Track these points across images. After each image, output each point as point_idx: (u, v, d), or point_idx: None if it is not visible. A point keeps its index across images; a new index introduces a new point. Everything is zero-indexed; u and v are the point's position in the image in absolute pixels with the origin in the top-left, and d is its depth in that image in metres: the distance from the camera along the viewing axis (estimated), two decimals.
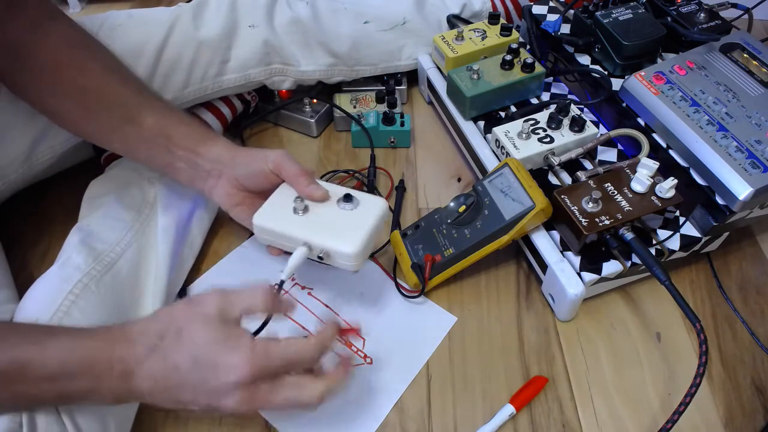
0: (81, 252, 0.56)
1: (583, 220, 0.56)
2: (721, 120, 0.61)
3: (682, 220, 0.61)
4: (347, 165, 0.80)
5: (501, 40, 0.79)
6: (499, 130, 0.68)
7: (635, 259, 0.58)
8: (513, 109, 0.74)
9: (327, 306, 0.63)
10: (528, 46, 0.81)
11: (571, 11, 0.81)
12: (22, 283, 0.59)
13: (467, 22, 0.85)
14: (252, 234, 0.63)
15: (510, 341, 0.61)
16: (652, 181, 0.57)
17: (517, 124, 0.68)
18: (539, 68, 0.73)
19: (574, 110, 0.68)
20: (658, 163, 0.58)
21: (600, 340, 0.61)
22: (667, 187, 0.57)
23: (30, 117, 0.65)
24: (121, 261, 0.58)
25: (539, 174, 0.67)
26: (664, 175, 0.58)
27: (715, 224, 0.59)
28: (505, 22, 0.81)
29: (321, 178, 0.77)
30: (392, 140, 0.81)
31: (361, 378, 0.57)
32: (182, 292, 0.64)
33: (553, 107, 0.69)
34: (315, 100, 0.84)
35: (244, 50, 0.75)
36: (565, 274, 0.58)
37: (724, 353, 0.59)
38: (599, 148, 0.69)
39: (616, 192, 0.58)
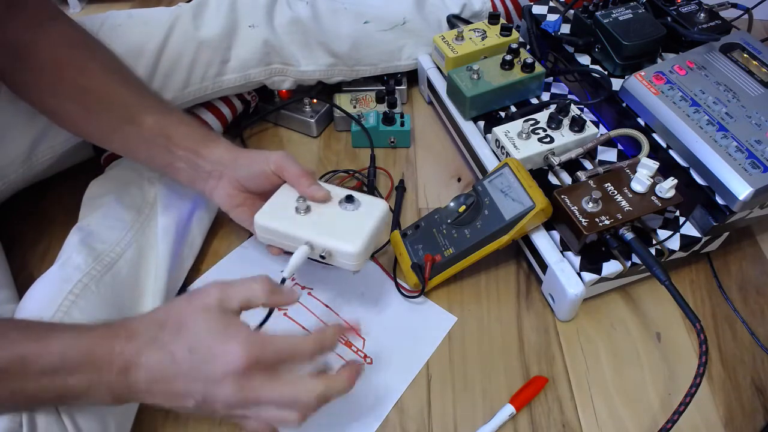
0: (81, 252, 0.56)
1: (583, 220, 0.56)
2: (721, 120, 0.61)
3: (682, 220, 0.61)
4: (347, 165, 0.80)
5: (501, 40, 0.79)
6: (499, 130, 0.68)
7: (635, 259, 0.58)
8: (513, 109, 0.74)
9: (327, 306, 0.63)
10: (528, 46, 0.81)
11: (571, 11, 0.81)
12: (22, 283, 0.59)
13: (467, 22, 0.85)
14: (252, 234, 0.63)
15: (510, 341, 0.61)
16: (652, 181, 0.57)
17: (517, 124, 0.68)
18: (539, 68, 0.73)
19: (574, 110, 0.68)
20: (658, 163, 0.58)
21: (600, 340, 0.61)
22: (667, 187, 0.57)
23: (30, 117, 0.65)
24: (121, 261, 0.58)
25: (539, 174, 0.67)
26: (664, 175, 0.58)
27: (715, 224, 0.59)
28: (505, 22, 0.81)
29: (321, 178, 0.77)
30: (392, 140, 0.81)
31: (361, 378, 0.57)
32: (182, 292, 0.64)
33: (553, 107, 0.69)
34: (315, 100, 0.84)
35: (244, 50, 0.75)
36: (565, 274, 0.58)
37: (724, 353, 0.59)
38: (599, 148, 0.69)
39: (616, 192, 0.58)
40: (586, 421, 0.55)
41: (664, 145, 0.64)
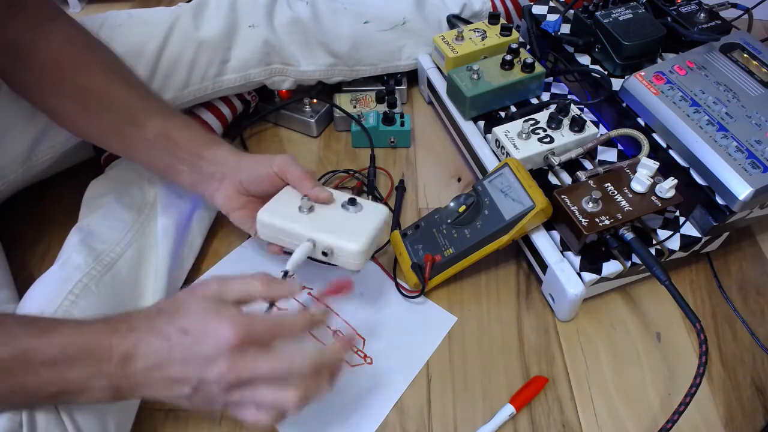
0: (81, 252, 0.56)
1: (583, 220, 0.56)
2: (721, 120, 0.61)
3: (682, 220, 0.61)
4: (347, 165, 0.80)
5: (501, 40, 0.79)
6: (499, 130, 0.68)
7: (635, 259, 0.58)
8: (513, 109, 0.74)
9: (327, 306, 0.63)
10: (528, 46, 0.81)
11: (571, 11, 0.81)
12: (22, 283, 0.59)
13: (467, 22, 0.85)
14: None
15: (510, 341, 0.61)
16: (652, 181, 0.57)
17: (517, 124, 0.68)
18: (539, 68, 0.73)
19: (574, 110, 0.68)
20: (658, 163, 0.58)
21: (600, 340, 0.61)
22: (667, 187, 0.57)
23: (30, 117, 0.65)
24: (121, 261, 0.58)
25: (539, 174, 0.67)
26: (664, 175, 0.58)
27: (715, 224, 0.59)
28: (505, 22, 0.81)
29: (321, 178, 0.77)
30: (392, 140, 0.81)
31: (361, 378, 0.57)
32: None
33: (553, 107, 0.69)
34: (315, 100, 0.84)
35: (244, 50, 0.75)
36: (565, 274, 0.58)
37: (724, 353, 0.59)
38: (599, 148, 0.69)
39: (616, 192, 0.58)
40: (586, 421, 0.55)
41: (664, 145, 0.64)
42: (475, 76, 0.72)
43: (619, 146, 0.69)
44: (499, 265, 0.67)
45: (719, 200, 0.58)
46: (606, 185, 0.59)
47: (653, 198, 0.57)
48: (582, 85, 0.76)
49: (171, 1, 0.81)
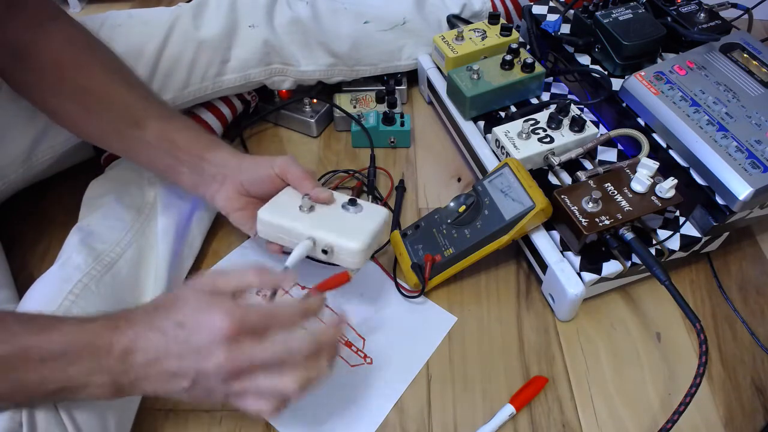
0: (81, 252, 0.56)
1: (583, 220, 0.56)
2: (721, 120, 0.61)
3: (682, 220, 0.61)
4: (347, 165, 0.80)
5: (501, 40, 0.79)
6: (499, 130, 0.68)
7: (635, 259, 0.58)
8: (513, 109, 0.74)
9: (327, 306, 0.63)
10: (528, 46, 0.81)
11: (571, 11, 0.81)
12: (22, 283, 0.59)
13: (467, 22, 0.85)
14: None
15: (510, 341, 0.61)
16: (652, 181, 0.57)
17: (517, 124, 0.68)
18: (539, 68, 0.73)
19: (574, 110, 0.68)
20: (658, 163, 0.58)
21: (600, 340, 0.61)
22: (667, 187, 0.57)
23: (30, 117, 0.65)
24: (121, 261, 0.58)
25: (539, 174, 0.67)
26: (664, 175, 0.58)
27: (715, 224, 0.59)
28: (505, 22, 0.81)
29: (321, 178, 0.77)
30: (392, 140, 0.81)
31: (361, 378, 0.57)
32: None
33: (553, 107, 0.69)
34: (315, 100, 0.84)
35: (244, 50, 0.75)
36: (565, 274, 0.58)
37: (724, 353, 0.59)
38: (599, 148, 0.69)
39: (616, 192, 0.58)
40: (586, 421, 0.55)
41: (664, 145, 0.64)
42: (475, 76, 0.72)
43: (619, 146, 0.69)
44: (499, 265, 0.67)
45: (719, 200, 0.58)
46: (606, 185, 0.59)
47: (653, 198, 0.57)
48: (582, 85, 0.76)
49: (171, 1, 0.81)
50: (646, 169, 0.58)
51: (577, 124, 0.66)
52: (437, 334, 0.61)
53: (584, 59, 0.77)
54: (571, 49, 0.78)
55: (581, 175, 0.63)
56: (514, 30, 0.79)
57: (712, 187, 0.59)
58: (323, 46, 0.79)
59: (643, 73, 0.67)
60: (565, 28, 0.81)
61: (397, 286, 0.64)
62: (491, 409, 0.55)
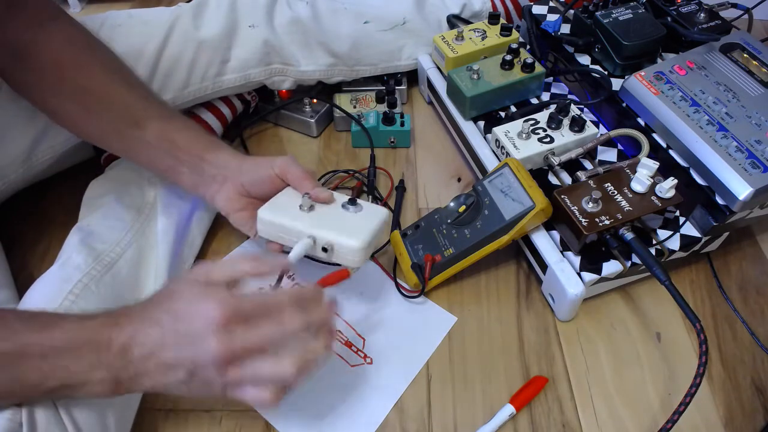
0: (81, 252, 0.56)
1: (583, 220, 0.56)
2: (721, 120, 0.61)
3: (682, 220, 0.61)
4: (347, 165, 0.80)
5: (501, 40, 0.79)
6: (499, 130, 0.68)
7: (635, 259, 0.58)
8: (513, 109, 0.74)
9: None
10: (528, 46, 0.81)
11: (571, 11, 0.81)
12: (22, 283, 0.59)
13: (467, 22, 0.85)
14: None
15: (510, 341, 0.61)
16: (652, 181, 0.57)
17: (517, 124, 0.68)
18: (539, 68, 0.73)
19: (574, 110, 0.68)
20: (658, 163, 0.58)
21: (600, 340, 0.61)
22: (667, 187, 0.57)
23: (30, 117, 0.65)
24: (121, 261, 0.58)
25: (539, 174, 0.67)
26: (664, 175, 0.58)
27: (715, 224, 0.59)
28: (505, 22, 0.81)
29: (321, 178, 0.77)
30: (392, 140, 0.81)
31: (361, 378, 0.57)
32: None
33: (553, 107, 0.69)
34: (315, 100, 0.84)
35: (244, 50, 0.75)
36: (565, 274, 0.58)
37: (724, 353, 0.59)
38: (599, 148, 0.69)
39: (616, 192, 0.58)
40: (586, 421, 0.55)
41: (664, 145, 0.64)
42: (475, 76, 0.72)
43: (619, 146, 0.69)
44: (499, 265, 0.67)
45: (719, 200, 0.58)
46: (606, 185, 0.59)
47: (653, 198, 0.57)
48: (582, 85, 0.76)
49: (171, 1, 0.81)
50: (646, 169, 0.58)
51: (577, 124, 0.66)
52: (437, 334, 0.61)
53: (584, 59, 0.77)
54: (571, 49, 0.78)
55: (581, 175, 0.63)
56: (514, 30, 0.79)
57: (712, 187, 0.59)
58: (323, 46, 0.79)
59: (643, 73, 0.67)
60: (565, 28, 0.81)
61: (397, 286, 0.64)
62: (491, 409, 0.55)
